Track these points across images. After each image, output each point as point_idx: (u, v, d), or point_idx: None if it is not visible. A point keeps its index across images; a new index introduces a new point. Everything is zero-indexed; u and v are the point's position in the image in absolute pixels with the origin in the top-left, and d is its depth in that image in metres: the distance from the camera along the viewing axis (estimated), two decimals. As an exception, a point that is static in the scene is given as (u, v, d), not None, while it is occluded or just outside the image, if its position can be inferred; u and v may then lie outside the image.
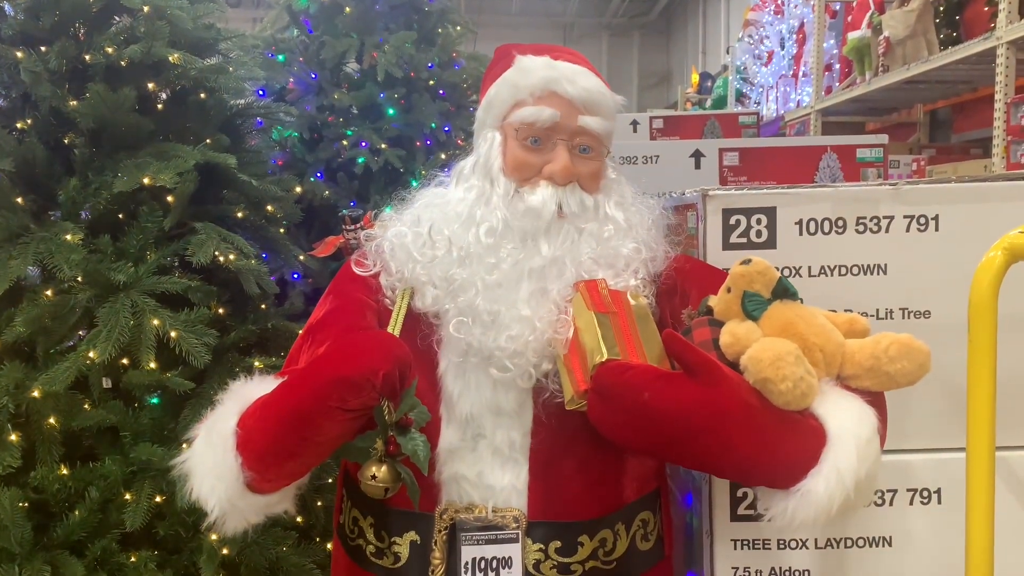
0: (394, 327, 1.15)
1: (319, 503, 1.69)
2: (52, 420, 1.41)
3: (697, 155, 2.53)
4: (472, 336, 1.11)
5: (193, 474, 1.02)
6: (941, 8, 3.72)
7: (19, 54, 1.48)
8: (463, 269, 1.14)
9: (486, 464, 1.13)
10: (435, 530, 1.13)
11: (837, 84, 4.75)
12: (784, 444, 0.97)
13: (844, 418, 0.99)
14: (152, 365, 1.42)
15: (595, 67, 1.27)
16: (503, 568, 1.11)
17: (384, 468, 0.99)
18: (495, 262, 1.14)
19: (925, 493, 1.30)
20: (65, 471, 1.42)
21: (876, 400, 1.05)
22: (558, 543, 1.13)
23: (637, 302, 1.11)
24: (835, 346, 1.05)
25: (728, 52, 7.31)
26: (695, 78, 8.21)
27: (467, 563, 1.11)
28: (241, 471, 0.98)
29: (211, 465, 1.00)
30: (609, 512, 1.16)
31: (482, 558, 1.11)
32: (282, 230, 1.78)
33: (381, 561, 1.17)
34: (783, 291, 1.06)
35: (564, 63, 1.21)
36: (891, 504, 1.30)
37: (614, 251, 1.16)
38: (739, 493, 1.32)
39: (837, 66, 4.83)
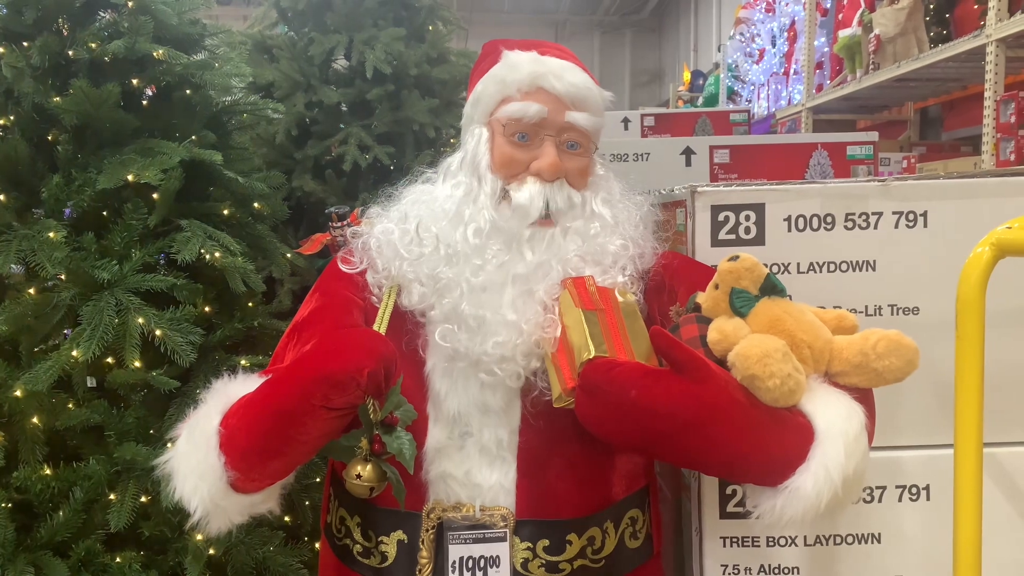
0: (380, 325, 1.14)
1: (306, 502, 1.68)
2: (35, 420, 1.39)
3: (688, 152, 2.53)
4: (459, 343, 1.11)
5: (176, 473, 1.01)
6: (931, 6, 3.73)
7: (1, 49, 1.46)
8: (449, 268, 1.14)
9: (474, 462, 1.13)
10: (422, 529, 1.13)
11: (828, 82, 4.76)
12: (772, 441, 0.97)
13: (832, 415, 0.98)
14: (137, 364, 1.40)
15: (585, 64, 1.27)
16: (491, 567, 1.10)
17: (369, 467, 0.99)
18: (481, 263, 1.13)
19: (914, 490, 1.30)
20: (49, 471, 1.40)
21: (864, 397, 1.04)
22: (546, 542, 1.12)
23: (625, 299, 1.11)
24: (823, 343, 1.04)
25: (720, 50, 7.32)
26: (687, 76, 8.22)
27: (454, 562, 1.11)
28: (224, 470, 0.97)
29: (194, 464, 0.99)
30: (598, 510, 1.15)
31: (469, 557, 1.11)
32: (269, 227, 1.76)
33: (368, 560, 1.17)
34: (771, 287, 1.06)
35: (552, 58, 1.20)
36: (880, 501, 1.30)
37: (601, 248, 1.15)
38: (728, 491, 1.31)
39: (828, 64, 4.84)
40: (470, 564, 1.11)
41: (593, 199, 1.19)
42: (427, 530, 1.12)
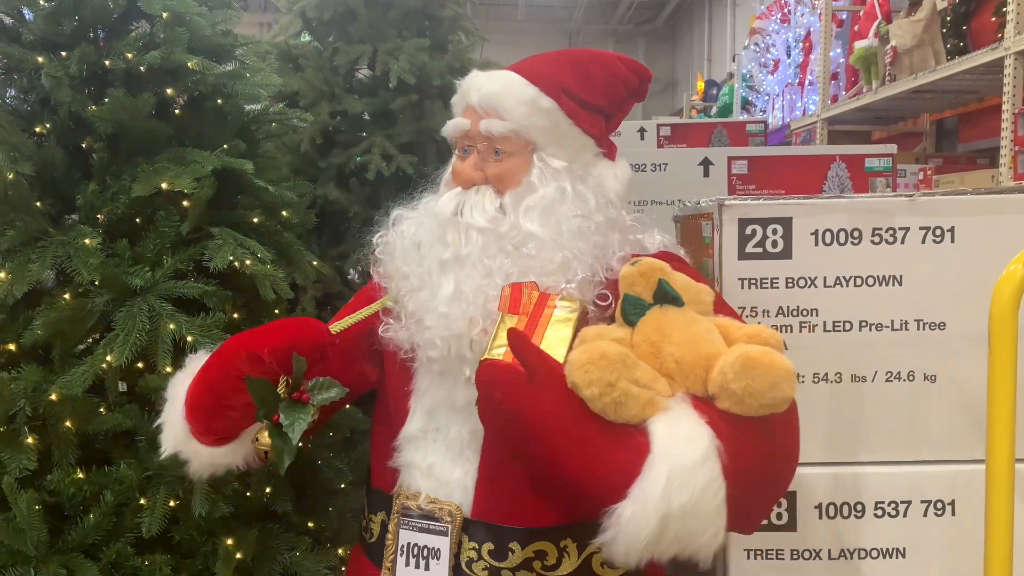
0: (354, 318, 1.22)
1: (329, 508, 1.69)
2: (68, 423, 1.41)
3: (706, 163, 2.55)
4: (397, 333, 1.18)
5: (163, 422, 1.20)
6: (948, 18, 3.73)
7: (40, 59, 1.49)
8: (407, 265, 1.21)
9: (438, 456, 1.17)
10: (392, 512, 1.19)
11: (843, 93, 4.77)
12: (603, 458, 0.92)
13: (669, 438, 0.91)
14: (168, 369, 1.42)
15: (572, 62, 1.24)
16: (432, 558, 1.14)
17: (265, 434, 1.09)
18: (422, 258, 1.20)
19: (939, 504, 1.31)
20: (81, 475, 1.42)
21: (745, 425, 0.93)
22: (491, 545, 1.13)
23: (568, 305, 1.09)
24: (696, 358, 0.96)
25: (734, 60, 7.33)
26: (700, 85, 8.23)
27: (403, 546, 1.16)
28: (185, 422, 1.15)
29: (169, 414, 1.18)
30: (551, 524, 1.13)
31: (415, 544, 1.15)
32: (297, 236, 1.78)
33: (366, 536, 1.26)
34: (663, 295, 1.01)
35: (485, 72, 1.24)
36: (905, 515, 1.31)
37: (540, 268, 1.13)
38: (753, 502, 1.32)
39: (843, 75, 4.85)
40: (415, 551, 1.15)
41: (516, 207, 1.17)
42: (394, 513, 1.18)
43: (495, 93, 1.19)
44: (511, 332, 1.00)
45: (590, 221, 1.16)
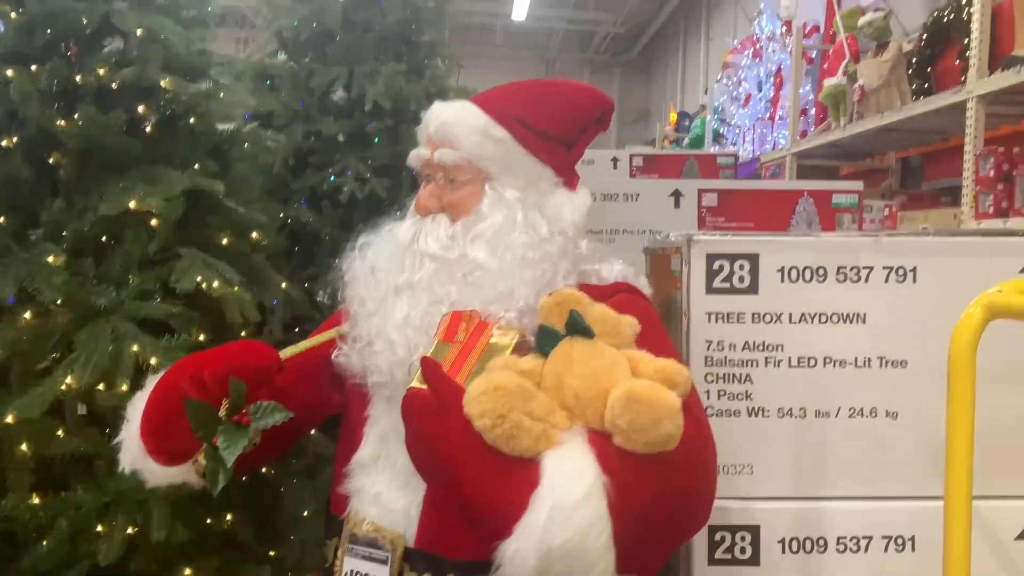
0: (309, 343, 1.24)
1: (291, 536, 1.67)
2: (24, 447, 1.37)
3: (676, 195, 2.58)
4: (348, 359, 1.19)
5: (121, 440, 1.20)
6: (914, 60, 3.84)
7: (9, 72, 1.47)
8: (365, 291, 1.21)
9: (386, 484, 1.16)
10: (343, 537, 1.19)
11: (812, 128, 4.87)
12: (499, 491, 0.92)
13: (556, 473, 0.90)
14: (124, 388, 1.39)
15: (529, 91, 1.26)
16: None
17: (202, 455, 1.11)
18: (378, 283, 1.21)
19: (900, 540, 1.32)
20: (36, 500, 1.38)
21: (639, 462, 0.91)
22: None
23: (505, 334, 1.08)
24: (598, 391, 0.94)
25: (706, 92, 7.46)
26: (673, 116, 8.35)
27: (346, 573, 1.16)
28: (139, 440, 1.15)
29: (127, 433, 1.19)
30: (489, 559, 1.07)
31: (357, 572, 1.15)
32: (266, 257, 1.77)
33: (323, 561, 1.25)
34: (573, 326, 1.01)
35: (445, 103, 1.26)
36: (866, 551, 1.32)
37: (484, 297, 1.13)
38: (717, 537, 1.33)
39: (813, 111, 4.96)
40: None
41: (465, 236, 1.17)
42: (344, 539, 1.18)
43: (448, 123, 1.20)
44: (424, 361, 1.01)
45: (538, 250, 1.16)
